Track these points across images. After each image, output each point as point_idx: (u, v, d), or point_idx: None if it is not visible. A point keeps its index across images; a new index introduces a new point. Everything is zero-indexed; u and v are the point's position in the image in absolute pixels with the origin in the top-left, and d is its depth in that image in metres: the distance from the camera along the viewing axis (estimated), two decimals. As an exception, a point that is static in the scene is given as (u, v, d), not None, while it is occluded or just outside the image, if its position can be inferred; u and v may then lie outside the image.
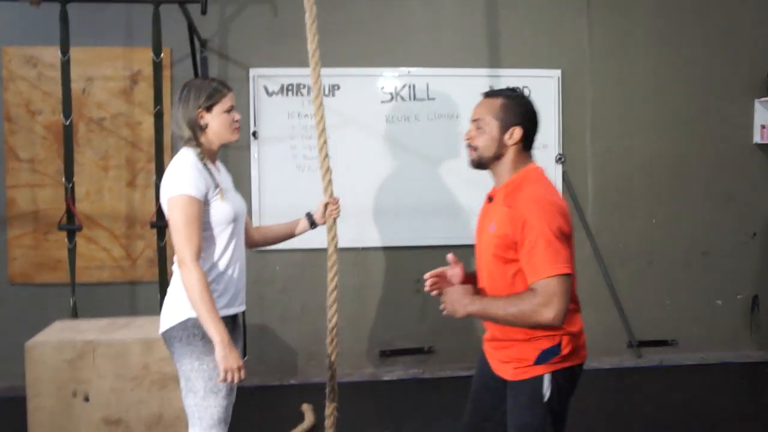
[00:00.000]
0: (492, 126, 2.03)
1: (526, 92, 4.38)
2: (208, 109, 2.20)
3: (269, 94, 4.23)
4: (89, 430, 2.91)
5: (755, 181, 4.69)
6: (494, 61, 4.39)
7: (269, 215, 4.12)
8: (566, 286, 1.83)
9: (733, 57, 4.62)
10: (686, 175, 4.62)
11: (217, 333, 2.03)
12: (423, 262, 4.49)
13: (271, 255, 4.21)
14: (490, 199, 2.11)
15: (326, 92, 4.17)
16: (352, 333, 4.25)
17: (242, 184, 3.86)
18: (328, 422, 2.72)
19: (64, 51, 3.49)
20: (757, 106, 4.65)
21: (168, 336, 2.19)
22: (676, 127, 4.58)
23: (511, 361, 2.01)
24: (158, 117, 3.64)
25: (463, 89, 4.30)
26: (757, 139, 4.65)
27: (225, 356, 2.03)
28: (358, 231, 4.28)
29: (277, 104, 4.22)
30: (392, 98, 4.33)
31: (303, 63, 4.19)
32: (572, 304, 1.91)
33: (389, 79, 4.32)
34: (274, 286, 4.30)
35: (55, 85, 3.84)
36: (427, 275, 2.12)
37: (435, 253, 4.50)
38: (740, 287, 4.70)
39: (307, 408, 3.65)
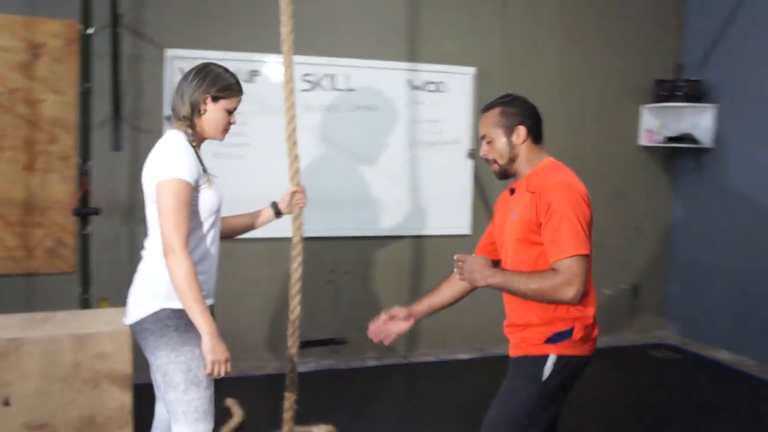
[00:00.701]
0: (498, 135, 2.14)
1: (442, 88, 4.51)
2: (215, 99, 2.09)
3: (186, 76, 4.00)
4: (8, 438, 2.61)
5: (640, 180, 5.13)
6: (414, 55, 4.44)
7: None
8: (586, 267, 1.95)
9: (625, 65, 5.01)
10: (581, 172, 4.75)
11: (205, 324, 1.95)
12: (337, 252, 4.55)
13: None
14: (512, 191, 2.19)
15: (246, 78, 4.04)
16: (265, 325, 4.17)
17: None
18: (287, 415, 2.68)
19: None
20: (643, 111, 5.08)
21: (139, 328, 2.04)
22: (575, 127, 4.89)
23: (523, 341, 2.10)
24: (85, 95, 3.37)
25: (384, 82, 4.33)
26: (642, 141, 5.09)
27: (213, 348, 1.95)
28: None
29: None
30: (312, 87, 4.26)
31: (222, 45, 4.09)
32: (587, 285, 2.02)
33: (310, 66, 4.23)
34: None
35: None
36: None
37: (349, 244, 4.55)
38: (625, 277, 5.14)
39: (232, 403, 3.49)
